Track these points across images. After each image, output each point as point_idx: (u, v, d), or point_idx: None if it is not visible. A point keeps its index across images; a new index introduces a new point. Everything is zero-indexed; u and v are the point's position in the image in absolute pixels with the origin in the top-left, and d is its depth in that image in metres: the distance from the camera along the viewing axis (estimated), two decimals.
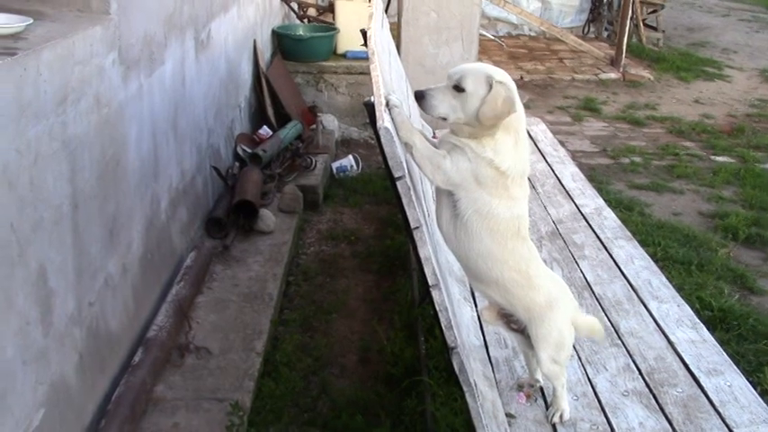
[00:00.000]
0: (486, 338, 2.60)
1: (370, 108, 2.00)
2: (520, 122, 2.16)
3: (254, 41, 5.43)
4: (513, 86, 2.12)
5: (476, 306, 2.81)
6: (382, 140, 1.74)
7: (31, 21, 2.20)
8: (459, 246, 2.17)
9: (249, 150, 4.76)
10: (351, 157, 5.57)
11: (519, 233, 2.15)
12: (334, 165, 5.46)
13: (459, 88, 2.07)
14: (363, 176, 5.48)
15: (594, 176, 5.52)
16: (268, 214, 4.18)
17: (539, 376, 2.39)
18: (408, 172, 1.85)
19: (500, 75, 2.11)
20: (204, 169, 4.08)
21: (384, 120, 1.78)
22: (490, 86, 2.05)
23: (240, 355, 3.08)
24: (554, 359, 2.20)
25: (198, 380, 2.90)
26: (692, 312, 2.80)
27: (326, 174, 5.25)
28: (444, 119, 2.11)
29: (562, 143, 4.86)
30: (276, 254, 3.93)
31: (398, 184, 1.75)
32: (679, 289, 3.01)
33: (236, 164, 4.71)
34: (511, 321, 2.32)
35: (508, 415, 2.25)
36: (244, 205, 4.07)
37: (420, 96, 2.11)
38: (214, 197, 4.30)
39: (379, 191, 5.21)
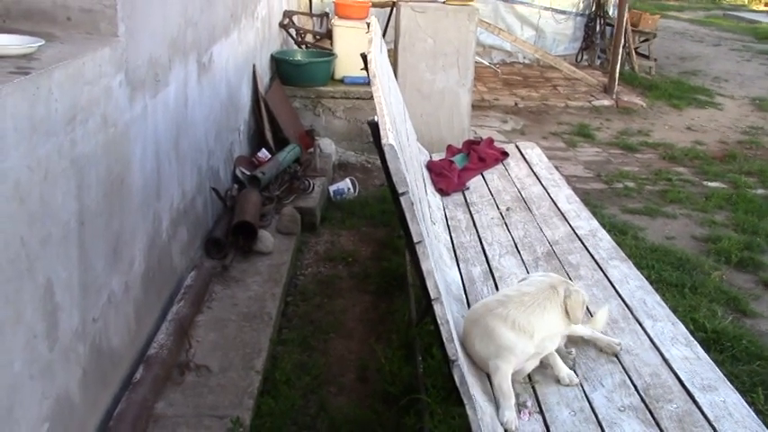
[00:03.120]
0: None
1: (373, 127, 2.06)
2: None
3: (254, 66, 5.51)
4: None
5: None
6: (387, 156, 1.79)
7: (43, 42, 2.26)
8: None
9: (248, 173, 4.82)
10: (348, 180, 5.63)
11: None
12: (332, 188, 5.52)
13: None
14: (360, 199, 5.53)
15: (589, 201, 5.59)
16: (267, 235, 4.23)
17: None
18: (411, 188, 1.90)
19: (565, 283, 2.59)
20: (204, 190, 4.13)
21: (389, 137, 1.83)
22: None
23: (240, 373, 3.11)
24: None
25: (198, 397, 2.93)
26: (686, 330, 2.84)
27: (324, 196, 5.30)
28: None
29: (557, 168, 4.92)
30: (275, 274, 3.97)
31: (402, 199, 1.80)
32: (673, 310, 3.06)
33: (235, 186, 4.76)
34: None
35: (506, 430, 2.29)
36: (243, 226, 4.12)
37: None
38: (213, 218, 4.34)
39: (376, 213, 5.26)
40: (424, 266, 1.81)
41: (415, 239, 1.80)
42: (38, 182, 2.08)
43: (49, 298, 2.20)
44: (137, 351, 3.02)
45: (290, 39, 7.12)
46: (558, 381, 2.51)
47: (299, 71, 6.31)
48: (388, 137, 1.85)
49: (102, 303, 2.60)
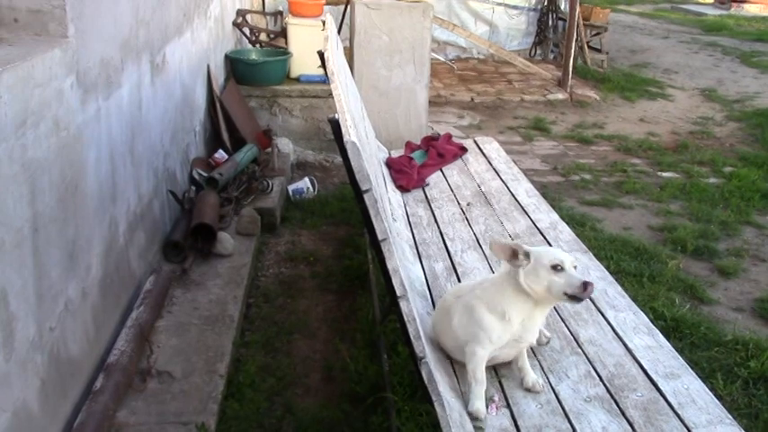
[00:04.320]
0: None
1: (334, 124, 2.03)
2: None
3: (208, 66, 5.44)
4: None
5: None
6: (349, 154, 1.77)
7: None
8: None
9: (205, 174, 4.75)
10: (307, 179, 5.59)
11: None
12: (291, 187, 5.47)
13: (556, 267, 2.38)
14: (320, 198, 5.50)
15: (547, 194, 5.63)
16: (226, 237, 4.17)
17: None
18: (373, 186, 1.88)
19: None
20: (161, 193, 4.06)
21: (350, 134, 1.81)
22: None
23: (203, 377, 3.06)
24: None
25: (161, 404, 2.87)
26: (647, 320, 2.87)
27: (283, 196, 5.26)
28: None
29: (515, 162, 4.95)
30: (236, 276, 3.92)
31: (366, 196, 1.79)
32: (633, 300, 3.09)
33: (193, 188, 4.69)
34: None
35: (476, 427, 2.29)
36: (202, 228, 4.06)
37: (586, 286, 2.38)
38: (171, 221, 4.27)
39: (336, 212, 5.24)
40: (389, 264, 1.80)
41: (380, 237, 1.79)
42: None
43: (4, 308, 2.13)
44: (96, 359, 2.95)
45: (244, 38, 7.05)
46: (522, 384, 2.48)
47: (255, 70, 6.24)
48: (350, 134, 1.83)
49: (59, 311, 2.54)
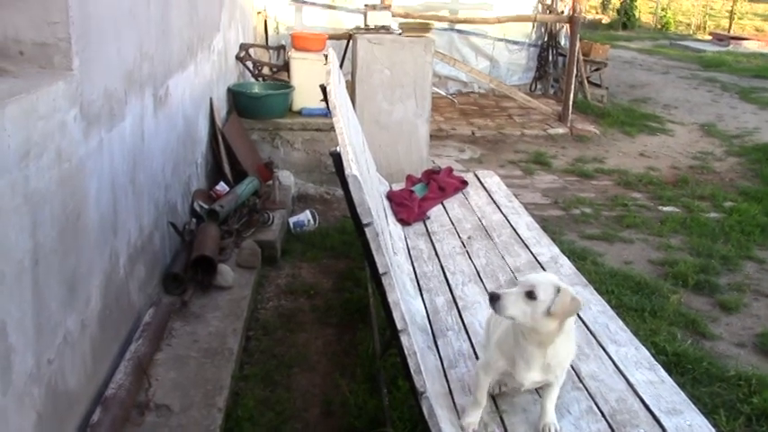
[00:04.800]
0: (451, 386, 2.61)
1: (336, 158, 2.04)
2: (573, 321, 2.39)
3: (211, 99, 5.48)
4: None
5: (440, 355, 2.83)
6: (350, 187, 1.78)
7: None
8: None
9: (206, 206, 4.76)
10: (308, 212, 5.59)
11: None
12: (292, 220, 5.48)
13: (531, 295, 2.25)
14: (321, 231, 5.50)
15: (547, 227, 5.62)
16: (227, 269, 4.16)
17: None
18: (375, 219, 1.88)
19: (564, 284, 2.34)
20: (162, 225, 4.06)
21: (352, 168, 1.82)
22: (558, 291, 2.25)
23: (201, 411, 3.03)
24: None
25: None
26: (649, 354, 2.86)
27: (284, 229, 5.26)
28: (515, 320, 2.29)
29: (515, 195, 4.96)
30: (235, 309, 3.90)
31: (367, 230, 1.79)
32: (635, 335, 3.08)
33: (193, 220, 4.69)
34: None
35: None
36: (202, 261, 4.05)
37: (494, 298, 2.28)
38: (171, 253, 4.27)
39: (337, 245, 5.23)
40: (390, 298, 1.79)
41: (381, 271, 1.79)
42: None
43: (2, 340, 2.12)
44: (94, 392, 2.93)
45: (247, 71, 7.11)
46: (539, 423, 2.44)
47: (257, 104, 6.29)
48: (352, 167, 1.84)
49: (57, 343, 2.52)
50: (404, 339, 1.81)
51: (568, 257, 3.89)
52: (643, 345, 2.98)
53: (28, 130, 2.25)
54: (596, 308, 3.21)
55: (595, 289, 3.54)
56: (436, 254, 3.86)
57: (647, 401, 2.54)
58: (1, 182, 2.07)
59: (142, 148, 3.60)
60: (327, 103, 2.95)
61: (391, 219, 4.24)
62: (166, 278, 4.01)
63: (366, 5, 7.17)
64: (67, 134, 2.58)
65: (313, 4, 10.44)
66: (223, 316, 3.80)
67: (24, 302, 2.26)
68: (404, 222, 4.30)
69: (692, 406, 2.54)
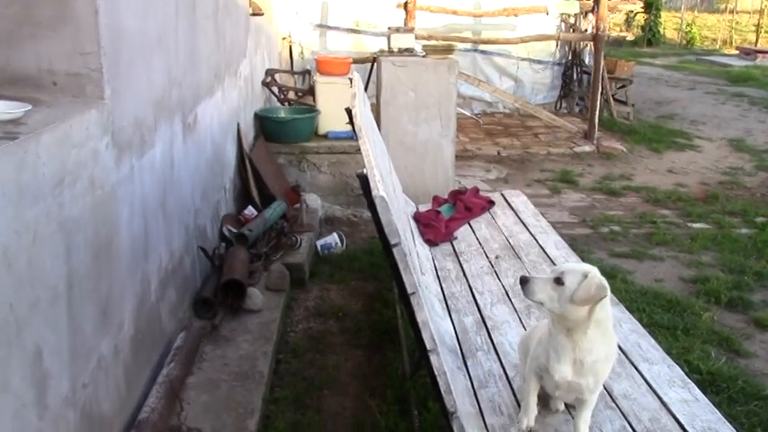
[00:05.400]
0: (482, 406, 2.60)
1: (362, 180, 2.06)
2: (608, 318, 2.38)
3: (238, 124, 5.55)
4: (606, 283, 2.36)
5: (469, 375, 2.82)
6: (378, 209, 1.79)
7: (30, 107, 2.27)
8: None
9: (235, 230, 4.81)
10: (335, 234, 5.62)
11: None
12: (319, 242, 5.51)
13: (559, 281, 2.31)
14: (348, 253, 5.52)
15: (576, 246, 5.59)
16: (256, 293, 4.19)
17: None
18: (402, 239, 1.90)
19: (595, 270, 2.37)
20: (192, 250, 4.11)
21: (379, 189, 1.84)
22: (585, 277, 2.30)
23: None
24: None
25: None
26: (682, 373, 2.83)
27: (312, 251, 5.29)
28: (541, 304, 2.36)
29: (543, 214, 4.95)
30: (265, 332, 3.93)
31: (395, 250, 1.80)
32: (667, 353, 3.05)
33: (222, 244, 4.74)
34: None
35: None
36: (232, 284, 4.09)
37: (524, 281, 2.37)
38: (201, 277, 4.31)
39: (365, 267, 5.25)
40: (419, 317, 1.80)
41: (409, 290, 1.79)
42: (26, 246, 2.06)
43: (38, 364, 2.15)
44: (127, 415, 2.96)
45: (272, 96, 7.19)
46: None
47: (283, 128, 6.35)
48: (379, 189, 1.86)
49: (91, 368, 2.56)
50: (433, 359, 1.81)
51: None
52: (676, 363, 2.94)
53: (62, 159, 2.30)
54: (627, 326, 3.19)
55: (626, 307, 3.51)
56: (464, 274, 3.86)
57: (682, 420, 2.51)
58: (36, 209, 2.12)
59: (172, 174, 3.66)
60: (353, 126, 2.98)
61: (418, 239, 4.25)
62: (197, 302, 4.05)
63: (389, 28, 7.24)
64: (100, 162, 2.63)
65: (337, 28, 10.56)
66: (253, 339, 3.82)
67: (60, 327, 2.30)
68: (431, 243, 4.31)
69: (728, 425, 2.50)
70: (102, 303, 2.68)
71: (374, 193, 1.84)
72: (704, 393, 2.74)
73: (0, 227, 1.90)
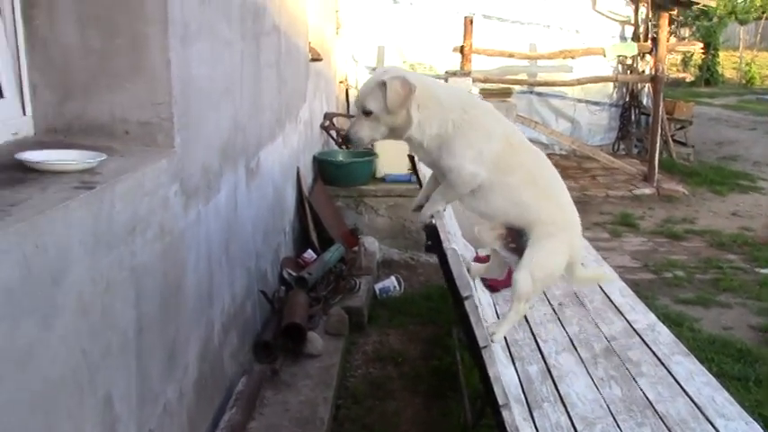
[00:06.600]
0: None
1: (431, 229, 2.05)
2: (428, 92, 2.40)
3: (298, 168, 5.61)
4: (407, 74, 2.38)
5: (536, 427, 2.75)
6: (450, 261, 1.78)
7: (105, 156, 2.33)
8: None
9: (295, 274, 4.83)
10: (393, 277, 5.61)
11: (516, 148, 2.48)
12: (377, 286, 5.50)
13: (366, 112, 2.34)
14: (406, 297, 5.49)
15: (639, 291, 5.44)
16: (316, 337, 4.19)
17: None
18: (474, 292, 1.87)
19: (390, 72, 2.37)
20: (253, 293, 4.14)
21: (450, 241, 1.82)
22: (384, 85, 2.30)
23: None
24: (531, 272, 2.44)
25: None
26: (760, 429, 2.70)
27: (370, 295, 5.28)
28: (375, 140, 2.42)
29: (604, 259, 4.85)
30: (325, 377, 3.91)
31: (466, 303, 1.78)
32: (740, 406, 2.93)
33: (282, 287, 4.76)
34: (510, 241, 2.54)
35: None
36: (292, 328, 4.09)
37: (347, 139, 2.43)
38: (262, 321, 4.33)
39: (423, 311, 5.21)
40: (490, 371, 1.77)
41: (481, 344, 1.76)
42: (99, 293, 2.10)
43: (109, 410, 2.18)
44: None
45: (330, 140, 7.27)
46: None
47: (341, 171, 6.41)
48: (450, 241, 1.84)
49: (158, 413, 2.57)
50: (505, 415, 1.77)
51: (663, 323, 3.76)
52: (753, 418, 2.82)
53: (134, 207, 2.35)
54: (700, 379, 3.07)
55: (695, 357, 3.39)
56: (527, 321, 3.78)
57: None
58: (110, 257, 2.16)
59: (235, 219, 3.70)
60: (415, 172, 2.98)
61: (479, 285, 4.20)
62: (257, 345, 4.06)
63: (447, 72, 7.30)
64: (169, 209, 2.68)
65: None
66: (313, 384, 3.80)
67: (129, 373, 2.33)
68: (492, 289, 4.25)
69: None
70: (169, 348, 2.71)
71: (445, 245, 1.83)
72: None
73: (77, 275, 1.94)
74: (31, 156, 2.16)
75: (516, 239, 2.53)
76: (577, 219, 2.65)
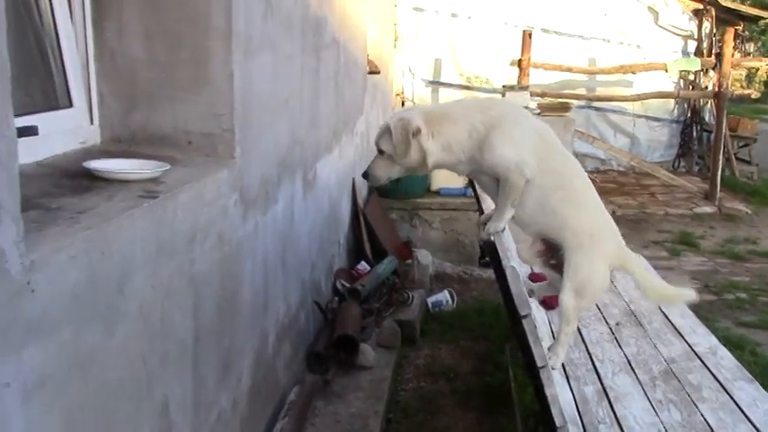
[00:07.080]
0: None
1: (489, 246, 2.03)
2: (437, 117, 2.45)
3: (353, 180, 5.64)
4: (412, 112, 2.44)
5: None
6: (509, 279, 1.76)
7: (168, 166, 2.37)
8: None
9: (348, 285, 4.84)
10: (446, 291, 5.58)
11: (549, 145, 2.54)
12: (430, 299, 5.47)
13: (381, 152, 2.43)
14: (459, 311, 5.46)
15: (699, 313, 5.30)
16: (368, 349, 4.19)
17: None
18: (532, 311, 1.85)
19: (397, 114, 2.46)
20: (307, 303, 4.16)
21: (509, 258, 1.80)
22: (388, 129, 2.39)
23: None
24: (575, 292, 2.35)
25: None
26: None
27: (422, 308, 5.26)
28: (391, 178, 2.51)
29: (662, 278, 4.74)
30: (376, 390, 3.90)
31: (524, 321, 1.76)
32: None
33: (336, 298, 4.78)
34: (550, 257, 2.52)
35: None
36: (344, 340, 4.10)
37: (365, 176, 2.53)
38: (315, 331, 4.35)
39: (475, 326, 5.17)
40: (548, 392, 1.74)
41: (539, 364, 1.74)
42: (159, 301, 2.13)
43: (165, 416, 2.21)
44: None
45: None
46: None
47: (396, 184, 6.36)
48: (510, 258, 1.83)
49: (212, 421, 2.60)
50: None
51: (724, 346, 3.65)
52: None
53: (195, 216, 2.38)
54: (764, 405, 2.97)
55: (759, 383, 3.28)
56: (583, 340, 3.72)
57: None
58: (171, 265, 2.20)
59: (291, 230, 3.74)
60: (474, 189, 2.97)
61: (534, 302, 4.14)
62: (309, 355, 4.08)
63: (504, 86, 7.27)
64: (228, 218, 2.72)
65: (449, 84, 10.65)
66: (365, 397, 3.80)
67: (185, 380, 2.36)
68: (547, 306, 4.18)
69: None
70: (225, 357, 2.73)
71: (504, 263, 1.81)
72: None
73: (139, 282, 1.98)
74: (99, 164, 2.21)
75: (554, 255, 2.50)
76: (613, 226, 2.61)
